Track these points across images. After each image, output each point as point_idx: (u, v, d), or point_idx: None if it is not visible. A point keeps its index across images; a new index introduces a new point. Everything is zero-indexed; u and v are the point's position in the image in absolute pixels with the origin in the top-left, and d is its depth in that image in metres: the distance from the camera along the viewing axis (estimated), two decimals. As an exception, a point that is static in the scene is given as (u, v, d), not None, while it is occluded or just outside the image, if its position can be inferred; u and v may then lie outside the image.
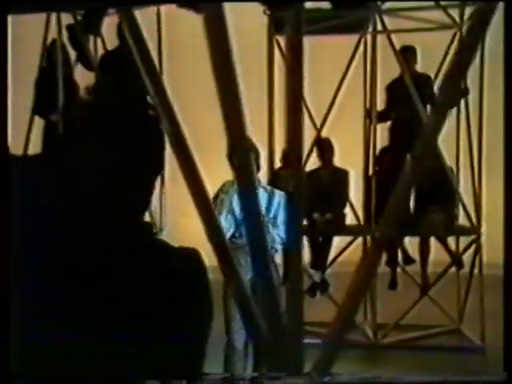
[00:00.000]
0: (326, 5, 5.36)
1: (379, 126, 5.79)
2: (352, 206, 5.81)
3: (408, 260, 5.93)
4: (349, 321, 2.29)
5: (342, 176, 5.80)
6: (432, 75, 5.83)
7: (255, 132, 3.19)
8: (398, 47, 5.57)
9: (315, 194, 5.69)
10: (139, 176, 1.22)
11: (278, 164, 5.75)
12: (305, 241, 5.86)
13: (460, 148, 5.81)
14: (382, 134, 5.90)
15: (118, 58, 5.06)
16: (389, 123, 5.94)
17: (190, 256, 1.26)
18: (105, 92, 1.29)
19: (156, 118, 1.37)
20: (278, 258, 3.89)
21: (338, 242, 5.90)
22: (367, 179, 5.66)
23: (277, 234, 3.70)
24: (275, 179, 5.47)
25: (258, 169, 3.69)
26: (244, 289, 2.29)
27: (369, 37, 5.52)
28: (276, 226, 3.71)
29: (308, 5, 4.62)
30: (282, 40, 5.13)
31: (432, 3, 5.44)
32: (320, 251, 5.70)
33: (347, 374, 2.07)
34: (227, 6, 1.89)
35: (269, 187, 3.83)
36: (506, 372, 2.00)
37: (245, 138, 3.48)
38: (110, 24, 5.21)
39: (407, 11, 5.54)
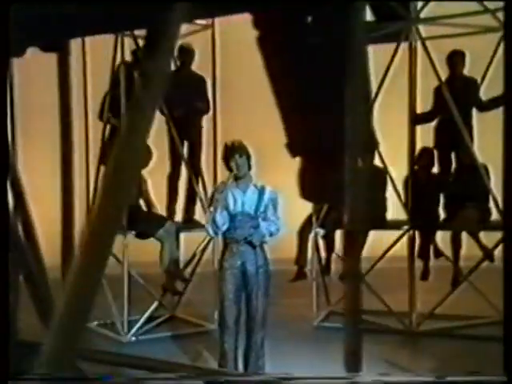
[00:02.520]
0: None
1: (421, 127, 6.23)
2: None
3: (437, 253, 6.32)
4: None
5: (380, 174, 6.15)
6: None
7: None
8: (446, 52, 5.98)
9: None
10: None
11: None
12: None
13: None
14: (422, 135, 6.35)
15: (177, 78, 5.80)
16: (435, 124, 6.25)
17: None
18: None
19: None
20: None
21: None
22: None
23: (266, 227, 4.08)
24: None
25: (250, 169, 4.10)
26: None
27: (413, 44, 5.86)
28: (266, 220, 4.08)
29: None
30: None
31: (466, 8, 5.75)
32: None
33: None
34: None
35: (259, 185, 4.16)
36: (506, 372, 2.08)
37: (239, 143, 4.05)
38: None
39: (443, 19, 5.90)
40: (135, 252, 5.92)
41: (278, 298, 7.02)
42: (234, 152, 4.07)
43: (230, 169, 4.12)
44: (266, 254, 4.18)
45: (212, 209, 4.11)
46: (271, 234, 4.13)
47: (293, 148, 2.38)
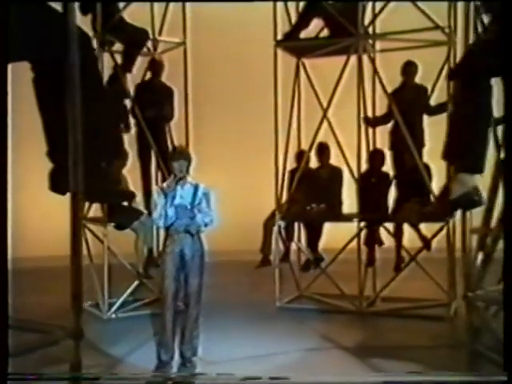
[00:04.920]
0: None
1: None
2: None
3: (380, 243, 7.07)
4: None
5: (337, 173, 6.94)
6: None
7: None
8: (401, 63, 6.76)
9: (314, 188, 6.94)
10: None
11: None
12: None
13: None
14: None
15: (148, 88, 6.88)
16: (390, 127, 6.93)
17: None
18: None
19: None
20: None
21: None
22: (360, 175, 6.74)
23: (201, 218, 4.76)
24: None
25: (188, 171, 4.78)
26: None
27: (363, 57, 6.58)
28: (200, 212, 4.76)
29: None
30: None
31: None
32: (314, 234, 6.94)
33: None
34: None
35: (194, 182, 4.82)
36: (506, 372, 2.23)
37: (183, 149, 4.81)
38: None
39: (391, 35, 6.63)
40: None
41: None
42: (178, 156, 4.79)
43: (172, 170, 4.77)
44: (201, 241, 4.86)
45: (158, 206, 4.75)
46: (206, 225, 4.82)
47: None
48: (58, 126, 2.21)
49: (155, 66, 6.98)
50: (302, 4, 7.01)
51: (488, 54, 2.97)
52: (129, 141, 6.87)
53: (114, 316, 6.54)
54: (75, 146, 2.08)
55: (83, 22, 6.42)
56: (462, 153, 3.09)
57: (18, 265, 8.06)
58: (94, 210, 6.75)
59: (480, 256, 3.08)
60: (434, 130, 6.64)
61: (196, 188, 4.83)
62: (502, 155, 3.50)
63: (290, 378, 2.59)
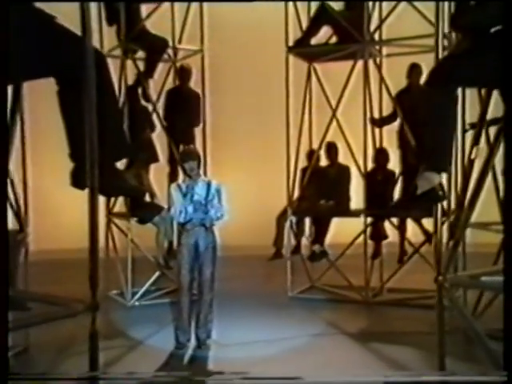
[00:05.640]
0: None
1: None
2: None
3: (385, 236, 7.49)
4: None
5: (345, 171, 7.37)
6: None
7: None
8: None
9: (324, 186, 7.38)
10: None
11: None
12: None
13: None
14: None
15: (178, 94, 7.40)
16: (398, 127, 7.27)
17: None
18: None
19: None
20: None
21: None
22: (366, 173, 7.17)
23: (214, 212, 5.21)
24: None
25: (199, 169, 5.28)
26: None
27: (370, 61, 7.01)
28: (213, 207, 5.20)
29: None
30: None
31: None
32: (322, 229, 7.40)
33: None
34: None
35: (207, 179, 5.34)
36: (506, 372, 2.20)
37: (191, 150, 5.33)
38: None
39: (395, 41, 7.05)
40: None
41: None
42: (188, 157, 5.28)
43: (185, 170, 5.29)
44: (214, 234, 5.33)
45: (176, 203, 5.23)
46: (218, 218, 5.27)
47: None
48: (78, 131, 2.66)
49: (184, 73, 7.47)
50: (312, 11, 7.44)
51: (458, 67, 3.34)
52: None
53: (137, 303, 7.10)
54: (92, 148, 2.53)
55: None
56: (429, 154, 3.50)
57: (51, 256, 8.72)
58: (119, 205, 7.31)
59: (450, 243, 3.50)
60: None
61: (209, 185, 5.28)
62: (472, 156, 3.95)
63: (304, 378, 2.40)
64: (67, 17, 2.80)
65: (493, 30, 3.32)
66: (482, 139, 3.86)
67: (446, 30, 6.53)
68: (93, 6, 2.89)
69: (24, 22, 2.57)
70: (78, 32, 2.68)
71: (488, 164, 3.33)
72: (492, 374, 2.39)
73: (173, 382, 2.70)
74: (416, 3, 6.80)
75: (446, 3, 3.87)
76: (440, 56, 3.69)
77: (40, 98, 3.28)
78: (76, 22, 2.68)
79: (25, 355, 5.17)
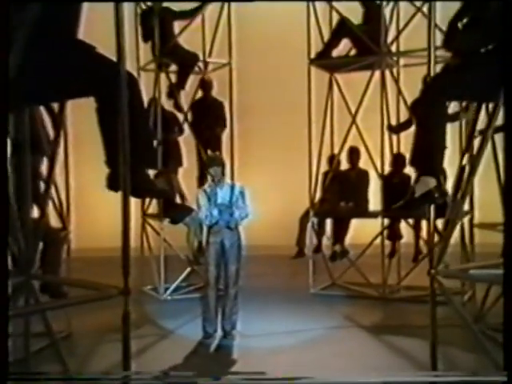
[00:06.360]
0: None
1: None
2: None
3: (400, 236, 7.89)
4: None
5: (364, 174, 7.81)
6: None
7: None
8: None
9: (344, 188, 7.82)
10: None
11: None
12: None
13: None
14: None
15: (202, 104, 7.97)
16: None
17: None
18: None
19: None
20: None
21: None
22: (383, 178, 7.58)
23: (239, 213, 5.63)
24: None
25: (223, 174, 5.70)
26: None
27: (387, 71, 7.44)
28: (237, 208, 5.62)
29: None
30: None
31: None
32: (342, 230, 7.84)
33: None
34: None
35: (231, 182, 5.78)
36: (506, 372, 2.19)
37: (215, 156, 5.82)
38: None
39: (411, 53, 7.46)
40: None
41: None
42: (212, 163, 5.73)
43: (210, 175, 5.71)
44: (239, 233, 5.76)
45: (203, 207, 5.68)
46: (242, 218, 5.72)
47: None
48: (113, 142, 3.14)
49: (205, 85, 8.05)
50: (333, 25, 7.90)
51: (450, 84, 3.74)
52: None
53: (169, 298, 7.67)
54: (125, 156, 3.02)
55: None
56: (424, 160, 3.85)
57: (89, 254, 9.32)
58: (152, 207, 7.89)
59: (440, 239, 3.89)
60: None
61: (232, 188, 5.74)
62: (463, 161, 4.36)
63: (304, 378, 2.48)
64: (106, 45, 3.32)
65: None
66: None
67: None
68: (128, 25, 3.38)
69: (70, 51, 3.12)
70: (114, 58, 3.21)
71: (478, 157, 3.62)
72: (492, 374, 2.45)
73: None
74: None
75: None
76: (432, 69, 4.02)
77: (82, 114, 3.75)
78: (112, 49, 3.20)
79: (69, 339, 5.76)
